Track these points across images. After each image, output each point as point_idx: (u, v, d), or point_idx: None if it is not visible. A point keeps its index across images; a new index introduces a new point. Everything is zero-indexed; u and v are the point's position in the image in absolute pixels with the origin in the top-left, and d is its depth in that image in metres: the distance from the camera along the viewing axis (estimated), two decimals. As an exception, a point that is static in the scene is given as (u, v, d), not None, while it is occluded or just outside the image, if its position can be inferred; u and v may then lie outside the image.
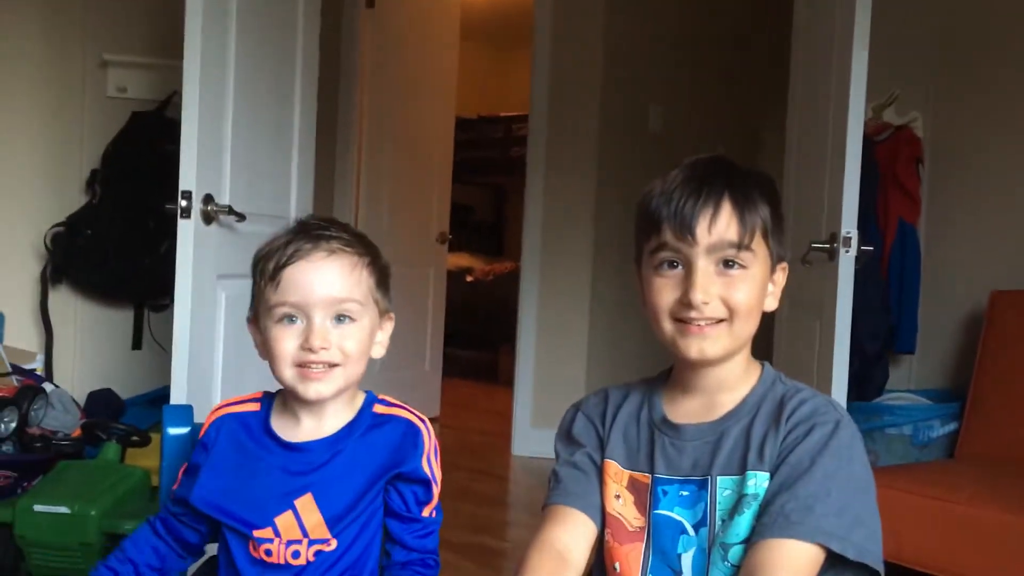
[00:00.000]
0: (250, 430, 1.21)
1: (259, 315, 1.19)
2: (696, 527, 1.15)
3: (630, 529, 1.19)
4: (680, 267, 1.13)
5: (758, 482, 1.11)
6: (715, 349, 1.14)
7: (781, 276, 1.20)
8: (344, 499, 1.17)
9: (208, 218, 2.47)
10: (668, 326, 1.15)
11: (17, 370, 3.00)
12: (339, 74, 4.19)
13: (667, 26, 4.29)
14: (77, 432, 2.71)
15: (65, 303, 3.36)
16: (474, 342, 6.46)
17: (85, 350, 3.39)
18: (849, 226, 2.36)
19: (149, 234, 3.23)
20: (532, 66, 4.21)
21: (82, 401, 3.17)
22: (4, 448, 2.55)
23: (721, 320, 1.13)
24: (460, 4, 5.08)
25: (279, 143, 2.91)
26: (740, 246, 1.11)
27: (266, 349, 1.18)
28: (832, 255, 2.40)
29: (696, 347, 1.13)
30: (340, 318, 1.16)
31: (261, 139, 2.79)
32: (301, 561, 1.16)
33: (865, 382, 3.05)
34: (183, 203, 2.42)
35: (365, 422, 1.20)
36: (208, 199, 2.47)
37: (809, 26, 2.87)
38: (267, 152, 2.84)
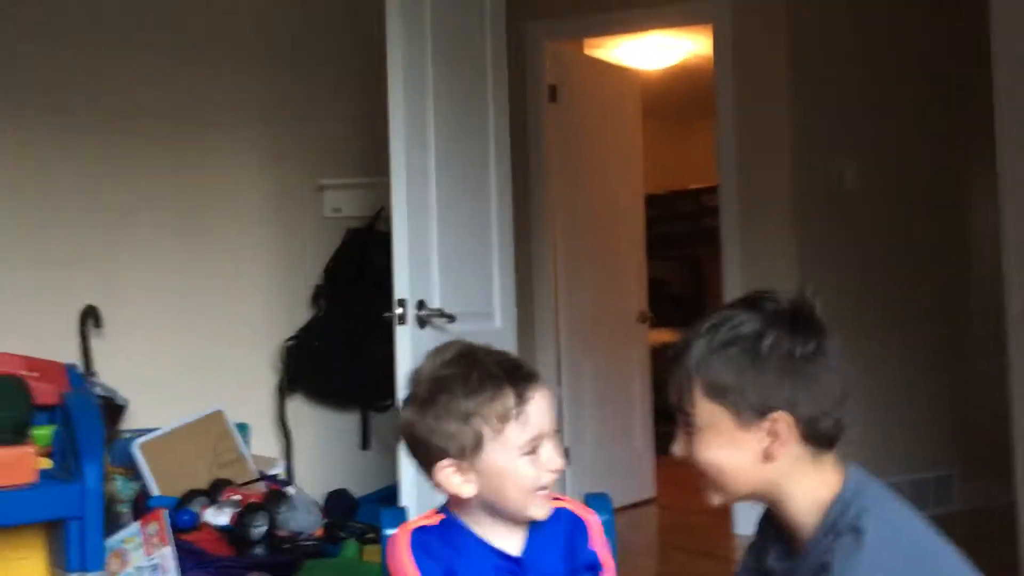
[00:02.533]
0: (446, 540, 1.26)
1: (484, 458, 1.22)
2: None
3: None
4: None
5: None
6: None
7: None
8: None
9: (422, 322, 2.63)
10: None
11: (263, 476, 3.25)
12: (528, 167, 4.34)
13: (854, 75, 4.18)
14: (319, 532, 2.89)
15: (299, 410, 3.63)
16: (684, 417, 6.36)
17: (320, 453, 3.64)
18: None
19: (369, 340, 3.46)
20: (717, 136, 4.21)
21: (320, 501, 3.39)
22: (256, 551, 2.76)
23: None
24: (640, 85, 5.18)
25: (480, 242, 3.06)
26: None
27: (502, 484, 1.23)
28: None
29: None
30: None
31: (463, 241, 2.95)
32: None
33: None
34: (399, 310, 2.59)
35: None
36: (421, 304, 2.63)
37: (1013, 53, 2.72)
38: (469, 253, 2.99)
